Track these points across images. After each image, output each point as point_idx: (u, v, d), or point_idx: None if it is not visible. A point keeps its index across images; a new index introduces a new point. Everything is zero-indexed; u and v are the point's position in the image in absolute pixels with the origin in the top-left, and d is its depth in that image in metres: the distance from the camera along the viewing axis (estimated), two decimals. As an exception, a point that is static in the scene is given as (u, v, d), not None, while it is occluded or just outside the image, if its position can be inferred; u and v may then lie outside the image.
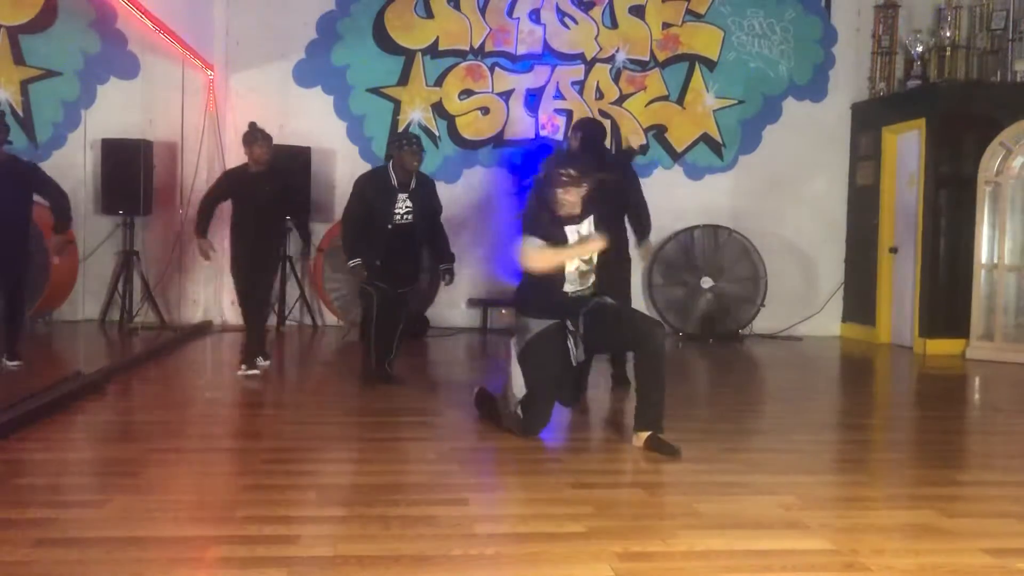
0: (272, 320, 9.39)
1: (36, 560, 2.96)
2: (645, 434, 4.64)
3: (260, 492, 3.85)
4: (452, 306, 9.75)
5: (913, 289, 9.21)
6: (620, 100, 10.06)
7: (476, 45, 9.86)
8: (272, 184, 6.75)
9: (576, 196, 4.71)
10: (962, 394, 7.31)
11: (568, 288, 4.79)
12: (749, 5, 10.13)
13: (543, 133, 9.93)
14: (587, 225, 4.87)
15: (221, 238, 7.76)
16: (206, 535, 3.26)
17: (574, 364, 4.87)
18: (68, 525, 3.30)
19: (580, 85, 10.00)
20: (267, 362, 6.97)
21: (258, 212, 6.68)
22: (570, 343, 4.79)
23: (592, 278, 4.88)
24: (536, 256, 4.71)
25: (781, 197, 10.18)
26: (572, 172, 4.68)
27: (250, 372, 6.63)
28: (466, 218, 9.59)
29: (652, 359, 4.68)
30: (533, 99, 9.93)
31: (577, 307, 4.80)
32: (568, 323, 4.79)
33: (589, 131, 6.34)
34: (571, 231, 4.80)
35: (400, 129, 9.70)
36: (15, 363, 6.65)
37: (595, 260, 4.88)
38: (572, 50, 9.99)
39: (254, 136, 6.71)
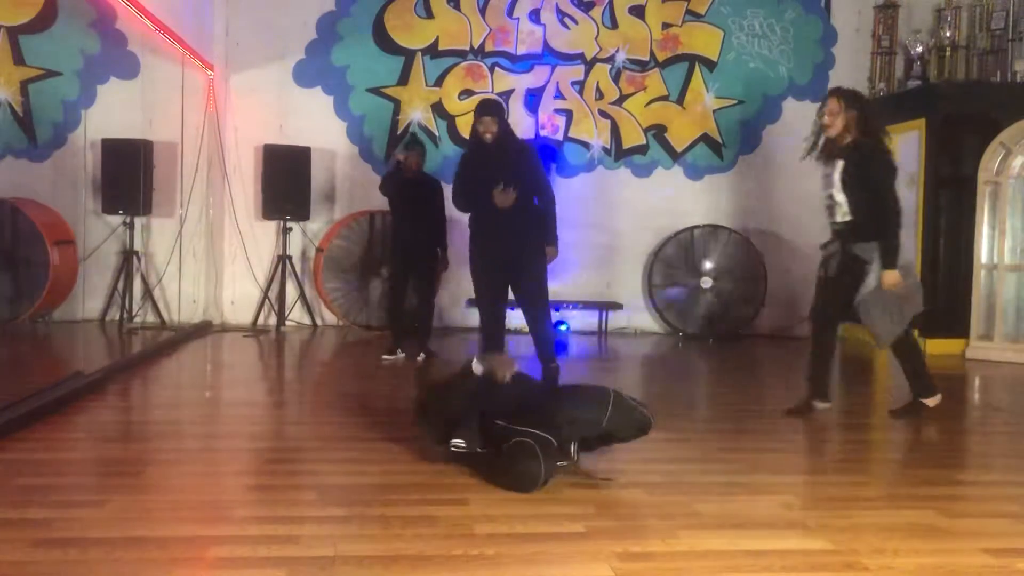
0: (272, 320, 9.43)
1: (36, 560, 2.96)
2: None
3: (260, 492, 3.85)
4: (453, 305, 9.75)
5: (913, 289, 9.21)
6: (620, 100, 10.06)
7: (476, 45, 9.86)
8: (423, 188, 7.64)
9: None
10: (962, 394, 7.30)
11: None
12: (749, 5, 10.13)
13: (543, 133, 9.93)
14: None
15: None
16: (206, 535, 3.26)
17: None
18: (68, 525, 3.29)
19: (580, 85, 10.01)
20: (400, 355, 7.56)
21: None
22: None
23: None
24: None
25: (781, 197, 10.18)
26: None
27: (388, 358, 7.53)
28: (466, 217, 9.57)
29: None
30: (533, 99, 9.93)
31: None
32: None
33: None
34: None
35: (400, 130, 9.73)
36: None
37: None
38: (572, 50, 9.99)
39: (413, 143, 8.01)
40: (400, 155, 7.68)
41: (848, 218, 5.42)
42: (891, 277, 5.33)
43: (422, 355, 7.56)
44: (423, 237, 7.62)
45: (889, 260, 5.33)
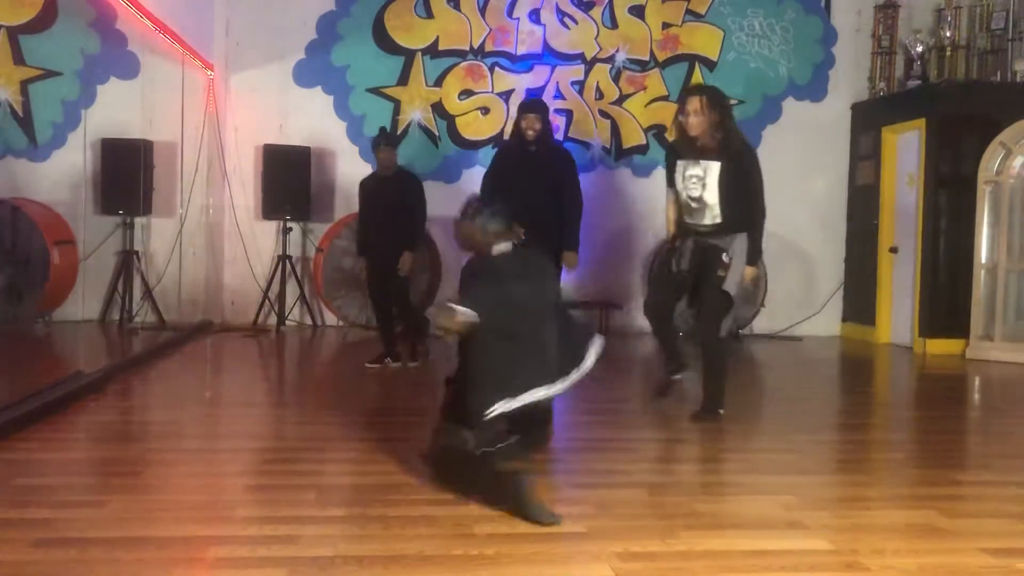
0: (272, 320, 9.42)
1: (36, 560, 2.96)
2: None
3: (260, 492, 3.85)
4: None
5: (913, 289, 9.21)
6: (620, 100, 10.06)
7: (476, 45, 9.85)
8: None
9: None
10: (962, 394, 7.31)
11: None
12: (749, 5, 10.13)
13: (543, 133, 9.91)
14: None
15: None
16: (206, 535, 3.26)
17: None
18: (68, 525, 3.29)
19: (580, 85, 10.00)
20: (395, 363, 7.20)
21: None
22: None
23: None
24: None
25: (781, 197, 10.12)
26: None
27: (372, 366, 7.09)
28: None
29: None
30: (533, 99, 9.93)
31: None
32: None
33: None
34: None
35: (400, 130, 9.73)
36: None
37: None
38: (572, 50, 9.99)
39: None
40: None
41: (718, 221, 5.29)
42: (753, 272, 5.48)
43: (413, 362, 7.19)
44: (390, 240, 6.99)
45: (756, 257, 5.39)
